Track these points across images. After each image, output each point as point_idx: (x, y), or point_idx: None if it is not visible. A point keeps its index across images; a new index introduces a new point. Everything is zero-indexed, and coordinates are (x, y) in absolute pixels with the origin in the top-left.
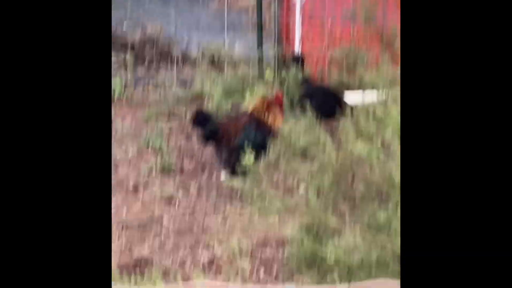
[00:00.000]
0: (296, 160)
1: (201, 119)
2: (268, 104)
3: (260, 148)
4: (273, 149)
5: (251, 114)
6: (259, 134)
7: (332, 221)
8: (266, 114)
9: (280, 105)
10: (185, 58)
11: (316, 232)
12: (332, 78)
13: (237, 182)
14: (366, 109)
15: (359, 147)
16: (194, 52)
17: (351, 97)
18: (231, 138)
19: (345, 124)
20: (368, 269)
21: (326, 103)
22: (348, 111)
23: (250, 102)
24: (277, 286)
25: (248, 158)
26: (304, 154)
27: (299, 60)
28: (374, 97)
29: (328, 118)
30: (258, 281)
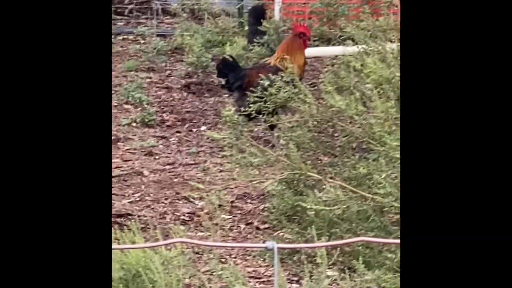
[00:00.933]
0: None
1: (227, 68)
2: (289, 47)
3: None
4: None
5: (275, 63)
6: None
7: (313, 174)
8: (289, 58)
9: (299, 45)
10: (165, 10)
11: (296, 185)
12: (312, 30)
13: (217, 135)
14: (346, 62)
15: (339, 100)
16: (173, 4)
17: (331, 50)
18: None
19: (325, 76)
20: (348, 222)
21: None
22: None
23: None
24: (257, 241)
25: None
26: (285, 106)
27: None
28: (354, 49)
29: None
30: (239, 234)
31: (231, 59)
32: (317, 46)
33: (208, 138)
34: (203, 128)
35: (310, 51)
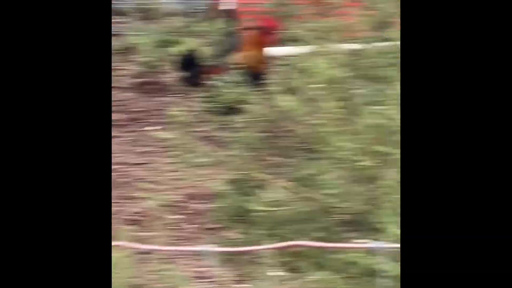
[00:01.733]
0: (225, 114)
1: (189, 62)
2: (251, 41)
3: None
4: (202, 103)
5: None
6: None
7: (260, 174)
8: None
9: (260, 39)
10: (117, 10)
11: (244, 186)
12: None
13: (165, 135)
14: (293, 63)
15: (286, 101)
16: (125, 4)
17: (279, 51)
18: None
19: (272, 78)
20: (294, 223)
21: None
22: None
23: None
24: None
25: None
26: (233, 107)
27: (229, 13)
28: (301, 50)
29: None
30: (187, 234)
31: (195, 55)
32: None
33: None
34: (154, 127)
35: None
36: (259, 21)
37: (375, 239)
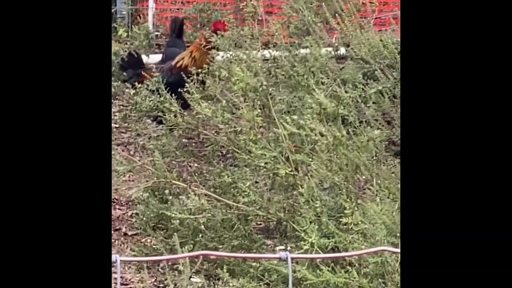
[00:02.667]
0: (144, 121)
1: (129, 62)
2: (195, 49)
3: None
4: (119, 110)
5: (176, 62)
6: (172, 78)
7: (179, 182)
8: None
9: (200, 48)
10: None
11: (162, 193)
12: (185, 36)
13: None
14: (212, 71)
15: (205, 108)
16: None
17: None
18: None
19: (191, 85)
20: (213, 230)
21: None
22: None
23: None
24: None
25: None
26: (151, 115)
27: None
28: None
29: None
30: None
31: (136, 55)
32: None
33: None
34: None
35: None
36: (214, 24)
37: (293, 247)
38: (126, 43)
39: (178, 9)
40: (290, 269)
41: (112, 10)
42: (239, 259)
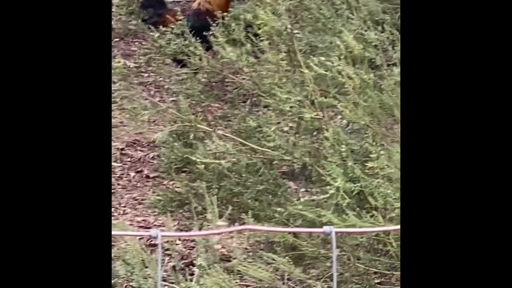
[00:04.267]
0: (168, 65)
1: (152, 1)
2: None
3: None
4: (142, 53)
5: (198, 5)
6: (197, 20)
7: (202, 126)
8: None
9: None
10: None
11: (186, 137)
12: None
13: None
14: (237, 13)
15: (229, 51)
16: None
17: None
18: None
19: (216, 29)
20: (238, 175)
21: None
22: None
23: None
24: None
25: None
26: (175, 59)
27: None
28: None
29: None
30: (129, 182)
31: None
32: None
33: None
34: None
35: None
36: None
37: (319, 191)
38: None
39: None
40: (334, 245)
41: None
42: (263, 204)
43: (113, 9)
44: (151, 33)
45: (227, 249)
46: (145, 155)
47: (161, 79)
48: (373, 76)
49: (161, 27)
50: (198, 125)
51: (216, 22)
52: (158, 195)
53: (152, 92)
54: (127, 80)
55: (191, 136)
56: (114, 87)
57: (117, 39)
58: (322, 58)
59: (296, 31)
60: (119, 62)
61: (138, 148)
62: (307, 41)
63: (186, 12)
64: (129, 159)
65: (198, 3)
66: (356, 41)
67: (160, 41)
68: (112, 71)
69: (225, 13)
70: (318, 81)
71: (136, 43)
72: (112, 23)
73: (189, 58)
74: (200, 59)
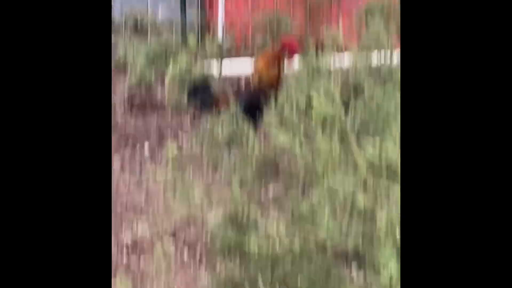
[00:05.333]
0: (220, 150)
1: (196, 92)
2: (269, 61)
3: (252, 117)
4: (196, 139)
5: (248, 85)
6: (249, 101)
7: (255, 211)
8: (267, 72)
9: (279, 60)
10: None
11: (239, 222)
12: (255, 44)
13: (161, 173)
14: (290, 98)
15: (282, 138)
16: (117, 18)
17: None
18: (223, 107)
19: (268, 114)
20: (290, 259)
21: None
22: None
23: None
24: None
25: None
26: (228, 144)
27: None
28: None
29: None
30: (183, 263)
31: (201, 84)
32: None
33: (151, 160)
34: (146, 149)
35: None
36: (282, 40)
37: (373, 277)
38: (197, 53)
39: (247, 17)
40: None
41: (182, 20)
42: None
43: (165, 88)
44: (204, 118)
45: None
46: (198, 236)
47: (214, 162)
48: None
49: (213, 110)
50: (251, 209)
51: (269, 103)
52: (211, 279)
53: (204, 176)
54: (179, 162)
55: (244, 219)
56: (167, 169)
57: (169, 115)
58: (375, 142)
59: (349, 115)
60: (172, 147)
61: (192, 228)
62: (361, 125)
63: (236, 90)
64: (182, 240)
65: (249, 81)
66: None
67: (213, 127)
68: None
69: (277, 90)
70: (371, 165)
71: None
72: (165, 98)
73: (242, 142)
74: (253, 143)
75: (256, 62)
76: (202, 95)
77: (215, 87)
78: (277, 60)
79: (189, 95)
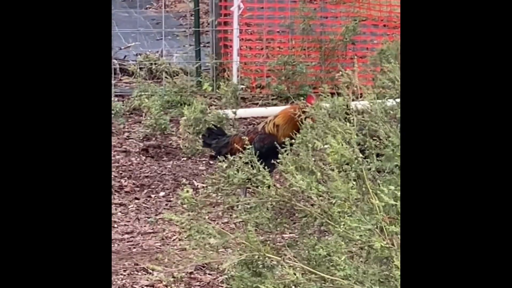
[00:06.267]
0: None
1: (211, 137)
2: (286, 115)
3: (266, 162)
4: (211, 182)
5: (263, 128)
6: (264, 144)
7: (271, 254)
8: (286, 128)
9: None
10: (123, 69)
11: (256, 266)
12: (270, 89)
13: (175, 217)
14: (306, 142)
15: (299, 180)
16: (131, 62)
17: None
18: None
19: (284, 156)
20: None
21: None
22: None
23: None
24: None
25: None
26: (243, 187)
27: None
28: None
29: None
30: None
31: (215, 128)
32: (275, 105)
33: (166, 204)
34: (161, 194)
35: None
36: (308, 99)
37: None
38: (211, 98)
39: (262, 62)
40: None
41: (197, 64)
42: None
43: (179, 129)
44: (219, 163)
45: None
46: (214, 279)
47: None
48: None
49: (229, 156)
50: (267, 254)
51: (284, 148)
52: None
53: (219, 221)
54: (195, 210)
55: (260, 264)
56: (183, 216)
57: (184, 159)
58: (391, 187)
59: (365, 159)
60: (187, 191)
61: (207, 272)
62: (376, 169)
63: (250, 134)
64: (198, 284)
65: (263, 127)
66: None
67: (228, 171)
68: (181, 200)
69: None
70: (387, 208)
71: (204, 161)
72: (180, 143)
73: (257, 187)
74: (269, 187)
75: (276, 117)
76: (217, 137)
77: (230, 130)
78: (297, 120)
79: (204, 137)
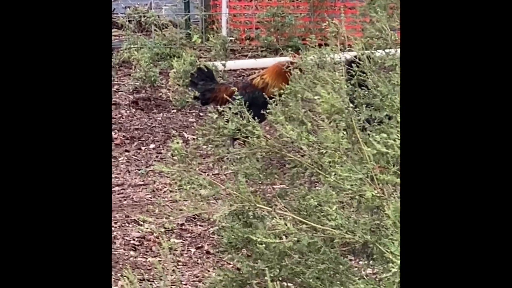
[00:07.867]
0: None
1: (199, 77)
2: (277, 71)
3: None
4: (201, 133)
5: (252, 81)
6: (253, 95)
7: (262, 206)
8: (270, 81)
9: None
10: (112, 22)
11: (246, 217)
12: (260, 40)
13: (166, 168)
14: (295, 92)
15: (289, 131)
16: (120, 15)
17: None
18: (221, 102)
19: (273, 107)
20: (299, 254)
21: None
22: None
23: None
24: (207, 267)
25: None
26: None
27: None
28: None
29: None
30: (190, 259)
31: (206, 70)
32: (264, 56)
33: (157, 156)
34: (152, 146)
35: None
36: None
37: (381, 269)
38: (201, 50)
39: (251, 14)
40: None
41: (186, 17)
42: (325, 282)
43: (169, 82)
44: (209, 114)
45: None
46: (205, 230)
47: (220, 159)
48: None
49: (219, 107)
50: (258, 205)
51: (273, 99)
52: (218, 275)
53: (210, 172)
54: (186, 162)
55: (251, 215)
56: (173, 167)
57: (174, 111)
58: (384, 135)
59: (355, 108)
60: (178, 143)
61: (198, 223)
62: (366, 118)
63: (238, 85)
64: (189, 235)
65: (252, 79)
66: None
67: (218, 122)
68: (172, 152)
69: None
70: (378, 157)
71: (194, 113)
72: (169, 95)
73: (248, 138)
74: (259, 138)
75: (265, 73)
76: (206, 79)
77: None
78: (287, 75)
79: (192, 76)
